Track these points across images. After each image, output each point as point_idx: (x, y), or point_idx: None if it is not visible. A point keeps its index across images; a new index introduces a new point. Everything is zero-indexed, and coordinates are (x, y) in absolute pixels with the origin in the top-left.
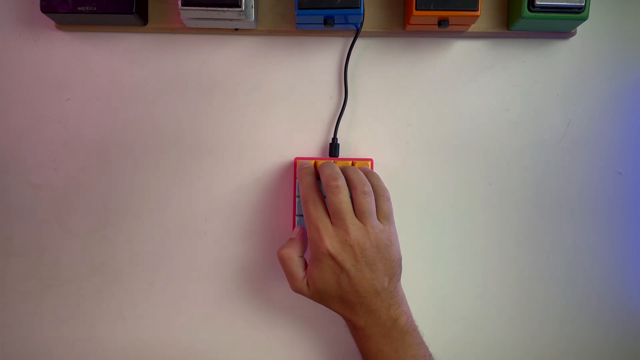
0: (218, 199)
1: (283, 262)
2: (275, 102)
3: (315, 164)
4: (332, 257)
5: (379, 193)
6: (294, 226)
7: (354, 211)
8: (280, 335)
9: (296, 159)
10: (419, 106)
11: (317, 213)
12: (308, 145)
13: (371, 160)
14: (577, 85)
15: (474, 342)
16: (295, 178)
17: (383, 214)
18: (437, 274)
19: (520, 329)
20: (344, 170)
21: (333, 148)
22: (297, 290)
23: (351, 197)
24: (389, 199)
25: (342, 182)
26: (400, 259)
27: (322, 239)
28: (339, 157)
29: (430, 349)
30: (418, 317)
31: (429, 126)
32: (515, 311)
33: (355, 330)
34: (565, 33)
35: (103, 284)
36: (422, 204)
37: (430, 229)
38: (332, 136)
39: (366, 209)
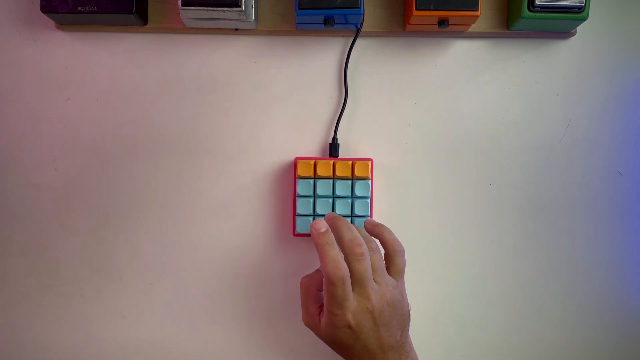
0: (218, 198)
1: (301, 291)
2: (275, 102)
3: (329, 222)
4: (351, 328)
5: (395, 248)
6: (294, 226)
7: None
8: (280, 335)
9: (296, 159)
10: (418, 106)
11: (345, 294)
12: (308, 145)
13: (371, 160)
14: (577, 85)
15: (474, 342)
16: (295, 178)
17: (397, 269)
18: (436, 273)
19: (520, 328)
20: (335, 224)
21: (333, 148)
22: (306, 324)
23: None
24: (404, 254)
25: (365, 247)
26: (409, 311)
27: (344, 314)
28: (339, 157)
29: (429, 350)
30: (417, 317)
31: (429, 126)
32: (514, 311)
33: None
34: (565, 33)
35: (103, 284)
36: (422, 204)
37: (430, 229)
38: (332, 136)
39: (377, 265)
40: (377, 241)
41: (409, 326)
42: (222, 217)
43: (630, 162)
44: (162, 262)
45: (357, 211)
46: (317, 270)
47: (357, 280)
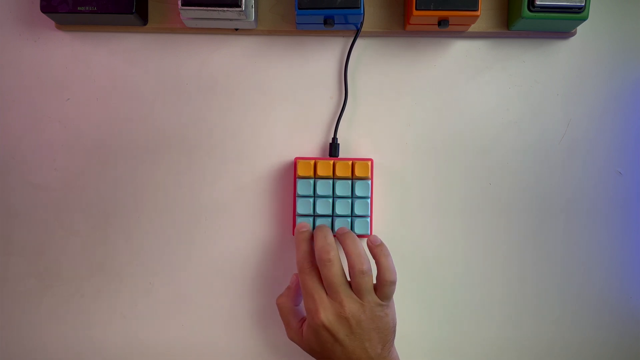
0: (218, 198)
1: (279, 311)
2: (275, 102)
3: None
4: (327, 329)
5: (385, 278)
6: (294, 226)
7: (351, 287)
8: (280, 335)
9: (296, 159)
10: (419, 106)
11: (313, 284)
12: (308, 145)
13: (371, 160)
14: (577, 85)
15: (473, 342)
16: (295, 178)
17: (385, 295)
18: (436, 273)
19: (520, 328)
20: (342, 241)
21: (333, 148)
22: (291, 339)
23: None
24: (394, 284)
25: (333, 254)
26: (394, 326)
27: (317, 310)
28: (339, 157)
29: (428, 350)
30: (417, 318)
31: (429, 126)
32: (514, 311)
33: None
34: (565, 33)
35: (103, 284)
36: (422, 204)
37: (430, 229)
38: (332, 136)
39: (363, 287)
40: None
41: (392, 342)
42: (222, 217)
43: (630, 162)
44: (162, 262)
45: (357, 211)
46: (288, 287)
47: (327, 285)
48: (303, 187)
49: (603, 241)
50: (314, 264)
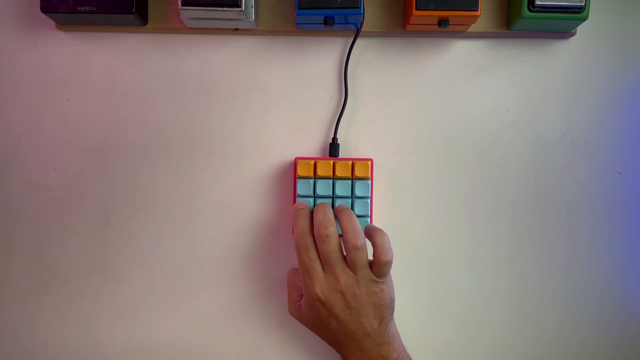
0: (218, 199)
1: (287, 282)
2: (275, 102)
3: (312, 207)
4: (322, 302)
5: (380, 257)
6: (294, 226)
7: (347, 263)
8: (279, 335)
9: (296, 158)
10: (419, 106)
11: (309, 260)
12: (308, 145)
13: (371, 160)
14: (577, 85)
15: (472, 341)
16: (295, 178)
17: (380, 273)
18: (436, 273)
19: (519, 328)
20: (339, 217)
21: (333, 148)
22: (291, 313)
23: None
24: (389, 264)
25: (332, 230)
26: (392, 301)
27: (312, 284)
28: (339, 157)
29: (426, 350)
30: (416, 317)
31: (429, 126)
32: (514, 311)
33: None
34: (565, 33)
35: (103, 284)
36: (422, 204)
37: (430, 229)
38: (332, 136)
39: (357, 263)
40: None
41: (390, 317)
42: (222, 217)
43: (630, 162)
44: (162, 262)
45: (357, 211)
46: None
47: (324, 260)
48: (303, 187)
49: (603, 241)
50: (312, 239)
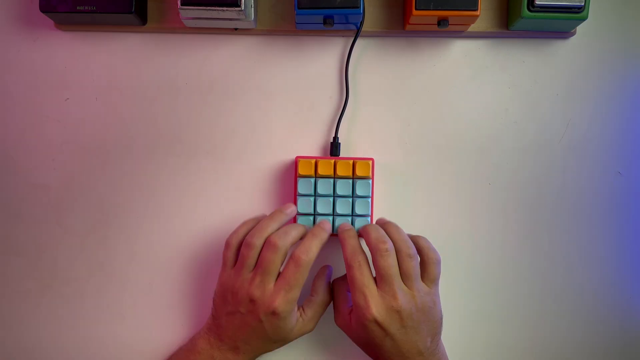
0: (218, 198)
1: (334, 292)
2: (275, 101)
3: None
4: (378, 324)
5: (429, 256)
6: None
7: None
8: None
9: (297, 157)
10: (419, 106)
11: (363, 278)
12: (309, 144)
13: (372, 159)
14: (576, 85)
15: (472, 341)
16: (296, 177)
17: (431, 278)
18: None
19: (519, 328)
20: (386, 229)
21: (334, 147)
22: (339, 325)
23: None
24: (439, 263)
25: (390, 245)
26: (442, 318)
27: (368, 305)
28: (340, 156)
29: None
30: None
31: (428, 126)
32: (514, 311)
33: None
34: (564, 33)
35: (103, 284)
36: (422, 203)
37: (429, 229)
38: (333, 135)
39: (411, 272)
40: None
41: (440, 334)
42: (223, 217)
43: (630, 162)
44: (161, 262)
45: (357, 210)
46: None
47: (381, 277)
48: (304, 186)
49: (603, 241)
50: (364, 257)
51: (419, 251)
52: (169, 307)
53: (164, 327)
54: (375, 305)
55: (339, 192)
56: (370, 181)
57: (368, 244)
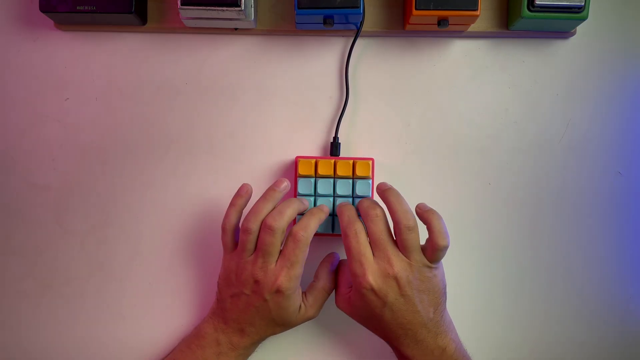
0: (218, 198)
1: (337, 273)
2: (275, 101)
3: (355, 206)
4: (375, 292)
5: (437, 242)
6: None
7: (398, 246)
8: (279, 336)
9: (297, 157)
10: (419, 106)
11: (359, 246)
12: (309, 144)
13: (372, 159)
14: (576, 85)
15: (472, 341)
16: (296, 176)
17: (434, 259)
18: None
19: (518, 328)
20: (386, 198)
21: (334, 147)
22: (339, 307)
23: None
24: (446, 248)
25: (380, 210)
26: (444, 287)
27: (364, 273)
28: (340, 156)
29: None
30: None
31: (429, 126)
32: (513, 311)
33: (403, 358)
34: (564, 33)
35: (102, 284)
36: None
37: None
38: (334, 135)
39: (409, 245)
40: (418, 221)
41: (444, 304)
42: (222, 217)
43: (630, 162)
44: (161, 262)
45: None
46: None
47: (374, 242)
48: (304, 186)
49: (603, 241)
50: (360, 225)
51: (429, 231)
52: (169, 307)
53: (164, 327)
54: (371, 272)
55: (339, 192)
56: (370, 181)
57: (360, 213)
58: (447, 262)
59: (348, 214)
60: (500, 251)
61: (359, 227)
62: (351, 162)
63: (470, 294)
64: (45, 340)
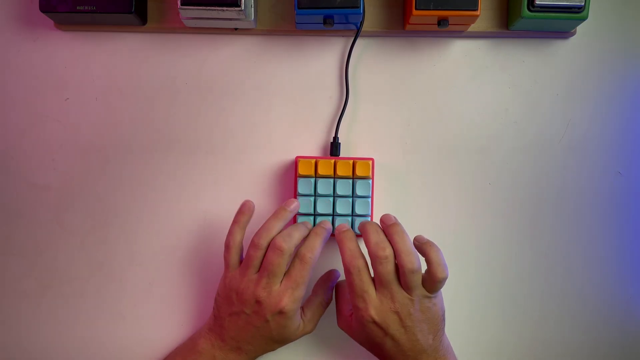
0: (218, 198)
1: (336, 295)
2: (275, 101)
3: (356, 229)
4: (377, 324)
5: (436, 275)
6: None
7: (400, 283)
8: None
9: (297, 157)
10: (419, 106)
11: (362, 284)
12: (309, 144)
13: (372, 159)
14: (576, 85)
15: (472, 341)
16: (296, 176)
17: (433, 289)
18: None
19: (519, 328)
20: (390, 235)
21: (334, 147)
22: (341, 328)
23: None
24: (445, 280)
25: (389, 251)
26: (443, 313)
27: (367, 308)
28: (340, 156)
29: None
30: None
31: (428, 126)
32: (513, 311)
33: None
34: (564, 33)
35: (102, 284)
36: (422, 203)
37: (429, 228)
38: (333, 135)
39: (413, 285)
40: (421, 258)
41: (443, 329)
42: (223, 217)
43: (630, 162)
44: (161, 262)
45: (357, 210)
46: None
47: (380, 282)
48: (304, 186)
49: (603, 241)
50: (363, 261)
51: (428, 264)
52: (169, 307)
53: (164, 327)
54: (373, 308)
55: (339, 192)
56: (370, 181)
57: (368, 249)
58: (447, 263)
59: (349, 247)
60: (500, 251)
61: (361, 264)
62: (351, 162)
63: (470, 294)
64: (45, 340)
